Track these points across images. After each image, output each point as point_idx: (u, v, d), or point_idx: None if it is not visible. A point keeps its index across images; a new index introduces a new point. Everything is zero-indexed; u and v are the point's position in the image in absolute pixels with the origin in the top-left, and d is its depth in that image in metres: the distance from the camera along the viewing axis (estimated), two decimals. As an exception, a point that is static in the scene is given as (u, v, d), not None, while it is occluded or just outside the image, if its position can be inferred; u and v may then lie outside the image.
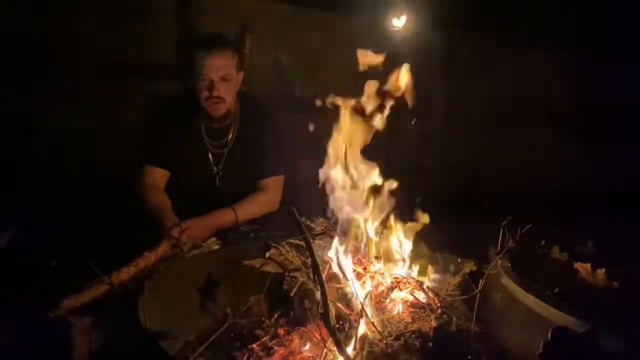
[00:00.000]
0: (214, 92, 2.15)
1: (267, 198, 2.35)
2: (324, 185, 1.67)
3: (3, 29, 2.85)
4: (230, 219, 2.19)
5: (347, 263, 1.58)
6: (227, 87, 2.19)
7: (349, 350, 1.26)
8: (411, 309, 1.55)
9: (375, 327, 1.39)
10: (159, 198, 2.20)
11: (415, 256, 1.70)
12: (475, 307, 1.45)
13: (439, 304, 1.56)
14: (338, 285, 1.50)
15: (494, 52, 3.95)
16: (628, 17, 3.46)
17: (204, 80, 2.14)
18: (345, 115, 1.67)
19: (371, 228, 1.68)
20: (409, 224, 1.72)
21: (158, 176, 2.27)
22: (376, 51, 1.69)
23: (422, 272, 1.65)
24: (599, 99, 3.90)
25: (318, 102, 1.67)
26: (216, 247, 1.95)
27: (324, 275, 1.42)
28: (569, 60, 4.06)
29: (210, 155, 2.33)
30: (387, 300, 1.56)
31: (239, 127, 2.34)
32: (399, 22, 2.23)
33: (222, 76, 2.15)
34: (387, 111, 1.65)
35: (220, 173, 2.35)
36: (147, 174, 2.26)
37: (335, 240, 1.60)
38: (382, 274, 1.62)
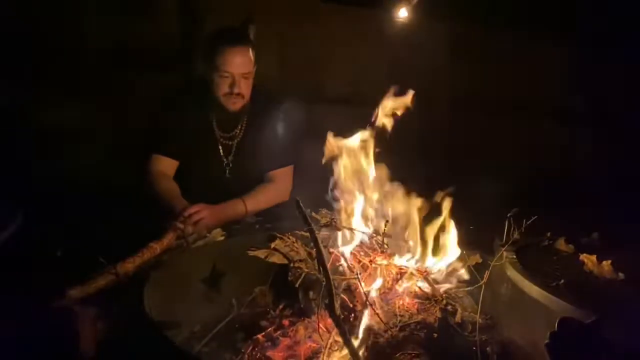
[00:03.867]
0: (235, 89, 2.15)
1: (276, 189, 2.36)
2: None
3: (3, 23, 2.85)
4: (241, 211, 2.19)
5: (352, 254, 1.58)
6: (247, 84, 2.18)
7: (354, 341, 1.26)
8: (416, 300, 1.55)
9: (380, 317, 1.39)
10: (168, 185, 2.21)
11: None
12: (481, 298, 1.45)
13: (443, 295, 1.55)
14: (343, 277, 1.50)
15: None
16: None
17: (226, 76, 2.13)
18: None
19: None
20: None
21: (167, 165, 2.28)
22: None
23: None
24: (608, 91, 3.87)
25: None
26: (221, 238, 1.95)
27: (328, 266, 1.42)
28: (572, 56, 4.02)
29: (220, 147, 2.33)
30: (392, 291, 1.56)
31: (249, 119, 2.33)
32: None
33: (243, 73, 2.14)
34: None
35: (231, 164, 2.35)
36: (155, 162, 2.26)
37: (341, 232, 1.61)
38: (388, 265, 1.61)
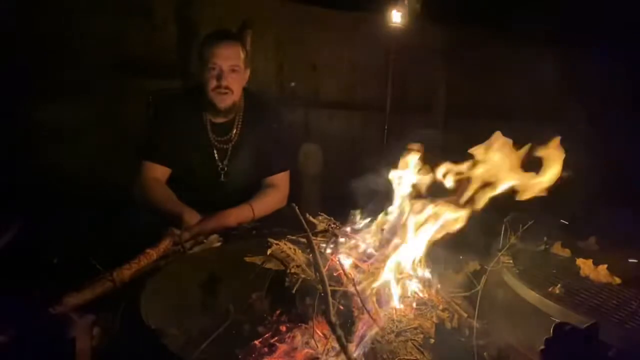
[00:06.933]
0: (223, 82, 2.17)
1: (278, 194, 2.38)
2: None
3: (3, 26, 2.85)
4: (249, 216, 2.21)
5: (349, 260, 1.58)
6: (235, 79, 2.21)
7: (351, 346, 1.26)
8: (413, 305, 1.54)
9: (377, 323, 1.38)
10: (164, 191, 2.21)
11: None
12: (477, 303, 1.45)
13: (440, 300, 1.55)
14: (340, 283, 1.50)
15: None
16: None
17: (214, 69, 2.17)
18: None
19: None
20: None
21: (159, 172, 2.28)
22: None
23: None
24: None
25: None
26: (218, 244, 1.95)
27: (325, 272, 1.42)
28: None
29: (215, 151, 2.33)
30: (390, 296, 1.55)
31: (243, 123, 2.35)
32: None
33: (231, 66, 2.17)
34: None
35: (225, 169, 2.35)
36: (148, 169, 2.26)
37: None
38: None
